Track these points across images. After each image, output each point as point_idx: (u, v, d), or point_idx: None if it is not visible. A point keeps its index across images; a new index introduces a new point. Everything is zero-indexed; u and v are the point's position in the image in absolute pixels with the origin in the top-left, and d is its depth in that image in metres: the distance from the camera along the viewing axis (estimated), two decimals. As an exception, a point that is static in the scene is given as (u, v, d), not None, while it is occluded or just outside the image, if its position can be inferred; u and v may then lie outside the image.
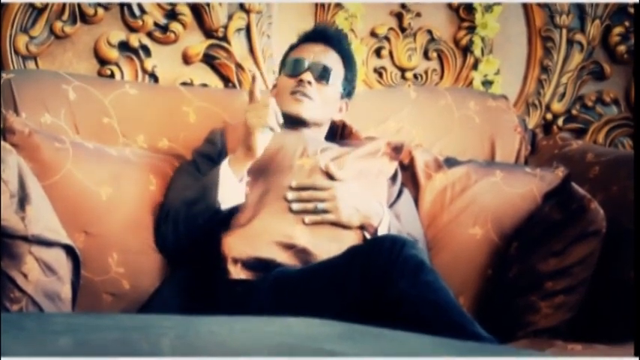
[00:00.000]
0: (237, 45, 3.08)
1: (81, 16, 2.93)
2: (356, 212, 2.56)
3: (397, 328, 1.69)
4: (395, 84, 3.28)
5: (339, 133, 2.84)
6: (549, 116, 3.47)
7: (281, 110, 2.65)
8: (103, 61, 2.96)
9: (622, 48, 3.51)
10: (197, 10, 3.05)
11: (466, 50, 3.35)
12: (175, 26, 3.01)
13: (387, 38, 3.29)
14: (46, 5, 2.88)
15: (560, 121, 3.48)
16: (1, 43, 2.85)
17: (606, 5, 3.47)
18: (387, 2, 3.28)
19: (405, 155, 2.85)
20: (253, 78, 2.57)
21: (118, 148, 2.70)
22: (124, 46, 2.98)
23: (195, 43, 3.06)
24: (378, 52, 3.28)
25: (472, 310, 2.64)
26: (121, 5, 2.97)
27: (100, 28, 2.96)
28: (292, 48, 2.78)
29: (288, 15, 3.15)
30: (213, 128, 2.74)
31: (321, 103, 2.68)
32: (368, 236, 2.56)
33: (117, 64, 2.97)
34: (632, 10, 3.47)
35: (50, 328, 1.54)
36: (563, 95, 3.48)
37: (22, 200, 2.26)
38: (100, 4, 2.94)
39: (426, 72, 3.33)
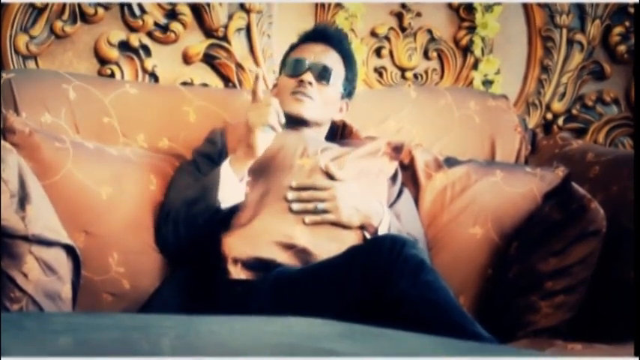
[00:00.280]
0: (238, 45, 3.08)
1: (81, 15, 2.93)
2: (356, 212, 2.56)
3: (397, 328, 1.69)
4: (395, 84, 3.28)
5: (339, 133, 2.84)
6: (549, 116, 3.47)
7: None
8: (103, 61, 2.96)
9: (622, 48, 3.51)
10: (197, 10, 3.05)
11: (466, 50, 3.35)
12: (175, 26, 3.01)
13: (387, 38, 3.29)
14: (47, 5, 2.88)
15: (560, 121, 3.48)
16: (1, 43, 2.85)
17: (606, 5, 3.47)
18: (387, 2, 3.28)
19: (405, 155, 2.85)
20: (256, 77, 2.57)
21: (119, 147, 2.70)
22: (124, 46, 2.98)
23: (196, 42, 3.06)
24: (378, 52, 3.28)
25: (472, 310, 2.64)
26: (121, 5, 2.97)
27: (100, 28, 2.96)
28: (293, 48, 2.78)
29: (288, 15, 3.15)
30: (214, 128, 2.74)
31: (321, 104, 2.68)
32: (368, 236, 2.56)
33: (117, 64, 2.97)
34: (632, 10, 3.47)
35: (50, 328, 1.54)
36: (563, 95, 3.48)
37: (23, 200, 2.26)
38: (100, 4, 2.94)
39: (426, 72, 3.33)
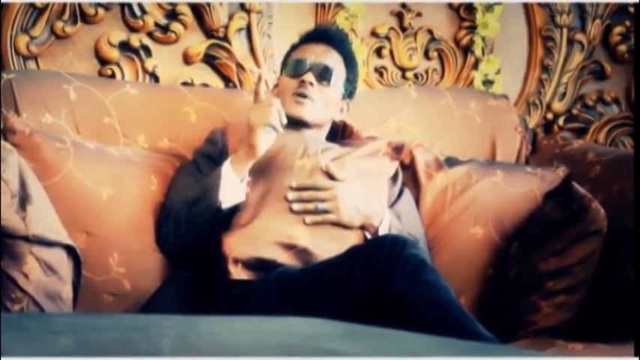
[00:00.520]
0: (238, 45, 3.08)
1: (81, 16, 2.93)
2: (357, 212, 2.56)
3: (398, 328, 1.69)
4: (395, 84, 3.28)
5: (340, 133, 2.84)
6: (550, 116, 3.47)
7: (282, 112, 2.66)
8: (103, 61, 2.96)
9: (622, 47, 3.51)
10: (198, 10, 3.05)
11: (467, 50, 3.35)
12: (176, 26, 3.01)
13: (387, 38, 3.29)
14: (47, 5, 2.88)
15: (560, 121, 3.48)
16: (1, 44, 2.85)
17: (607, 5, 3.47)
18: (387, 2, 3.28)
19: (406, 155, 2.85)
20: (258, 78, 2.58)
21: (119, 148, 2.70)
22: (124, 46, 2.98)
23: (196, 43, 3.06)
24: (378, 52, 3.28)
25: (473, 310, 2.63)
26: (122, 5, 2.97)
27: (100, 28, 2.96)
28: (294, 48, 2.77)
29: (288, 15, 3.15)
30: (214, 128, 2.74)
31: (322, 104, 2.67)
32: (369, 236, 2.57)
33: (117, 64, 2.97)
34: (632, 10, 3.47)
35: (51, 328, 1.54)
36: (563, 95, 3.48)
37: (23, 200, 2.26)
38: (100, 4, 2.94)
39: (426, 72, 3.33)
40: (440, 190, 2.85)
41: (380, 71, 3.28)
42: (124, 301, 2.52)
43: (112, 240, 2.53)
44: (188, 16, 3.03)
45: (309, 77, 2.65)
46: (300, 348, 1.48)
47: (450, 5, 3.35)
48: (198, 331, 1.58)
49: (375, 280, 2.26)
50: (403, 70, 3.30)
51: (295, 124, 2.64)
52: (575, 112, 3.50)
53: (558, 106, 3.47)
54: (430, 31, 3.33)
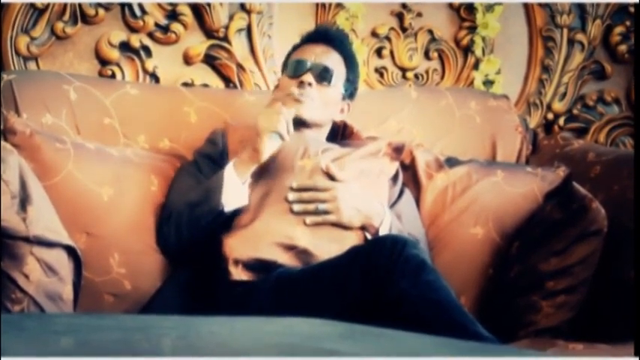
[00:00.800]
0: (238, 45, 3.08)
1: (82, 16, 2.93)
2: (357, 213, 2.56)
3: (398, 328, 1.69)
4: (396, 84, 3.28)
5: (340, 134, 2.84)
6: (550, 116, 3.47)
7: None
8: (103, 62, 2.96)
9: (623, 47, 3.51)
10: (198, 11, 3.05)
11: (467, 50, 3.35)
12: (176, 27, 3.02)
13: (387, 38, 3.29)
14: (47, 6, 2.88)
15: (561, 121, 3.48)
16: (2, 44, 2.86)
17: (607, 5, 3.47)
18: (387, 2, 3.28)
19: (406, 155, 2.85)
20: (277, 87, 2.61)
21: (119, 148, 2.70)
22: (124, 47, 2.98)
23: (196, 43, 3.06)
24: (379, 52, 3.28)
25: (473, 310, 2.63)
26: (122, 6, 2.97)
27: (100, 29, 2.96)
28: (295, 48, 2.77)
29: (288, 15, 3.15)
30: (215, 128, 2.74)
31: (321, 105, 2.67)
32: (369, 237, 2.57)
33: (118, 65, 2.97)
34: (632, 10, 3.47)
35: (51, 329, 1.54)
36: (564, 95, 3.48)
37: (24, 201, 2.26)
38: (100, 5, 2.94)
39: (427, 72, 3.33)
40: (440, 190, 2.85)
41: (380, 71, 3.28)
42: (125, 301, 2.52)
43: (112, 240, 2.53)
44: (188, 17, 3.03)
45: (308, 78, 2.65)
46: (300, 348, 1.48)
47: (451, 5, 3.35)
48: (199, 332, 1.58)
49: (375, 280, 2.26)
50: (403, 70, 3.30)
51: (295, 123, 2.64)
52: (575, 112, 3.50)
53: (559, 106, 3.47)
54: (430, 32, 3.32)
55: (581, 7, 3.46)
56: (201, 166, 2.65)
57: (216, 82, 3.08)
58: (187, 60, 3.05)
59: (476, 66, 3.35)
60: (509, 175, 2.89)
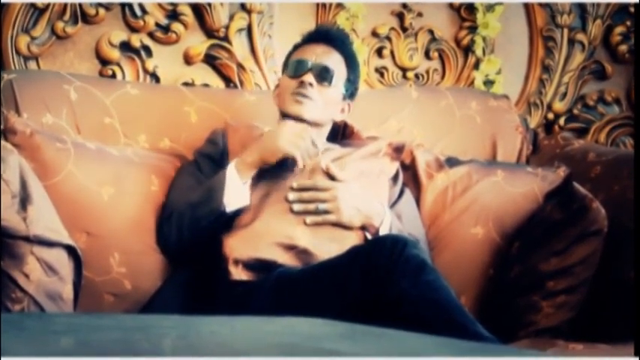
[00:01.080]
0: (239, 45, 3.08)
1: (82, 16, 2.93)
2: (357, 213, 2.56)
3: (398, 328, 1.69)
4: (396, 84, 3.28)
5: (340, 133, 2.84)
6: (551, 116, 3.47)
7: (282, 111, 2.67)
8: (104, 62, 2.96)
9: (623, 47, 3.51)
10: (198, 11, 3.05)
11: (467, 50, 3.35)
12: (177, 26, 3.01)
13: (388, 38, 3.29)
14: (48, 5, 2.88)
15: (561, 121, 3.48)
16: (2, 44, 2.86)
17: (607, 5, 3.47)
18: (388, 2, 3.28)
19: (407, 155, 2.85)
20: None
21: (120, 148, 2.70)
22: (125, 47, 2.98)
23: (197, 43, 3.06)
24: (379, 52, 3.28)
25: (474, 310, 2.63)
26: (123, 5, 2.97)
27: (101, 29, 2.96)
28: (296, 48, 2.77)
29: (289, 15, 3.15)
30: (215, 128, 2.74)
31: (322, 105, 2.67)
32: (369, 237, 2.57)
33: (118, 65, 2.97)
34: (633, 10, 3.47)
35: (52, 328, 1.54)
36: (564, 95, 3.48)
37: (24, 200, 2.26)
38: (101, 5, 2.94)
39: (427, 72, 3.33)
40: (440, 190, 2.85)
41: (381, 71, 3.28)
42: (125, 301, 2.52)
43: (112, 240, 2.53)
44: (189, 17, 3.03)
45: (309, 78, 2.65)
46: (300, 348, 1.48)
47: (451, 5, 3.35)
48: (199, 332, 1.58)
49: (375, 280, 2.26)
50: (404, 70, 3.30)
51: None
52: (575, 112, 3.50)
53: (559, 106, 3.47)
54: (431, 31, 3.32)
55: (582, 7, 3.46)
56: (202, 166, 2.65)
57: (216, 82, 3.08)
58: (188, 60, 3.05)
59: (476, 66, 3.35)
60: (510, 175, 2.89)
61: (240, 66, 3.08)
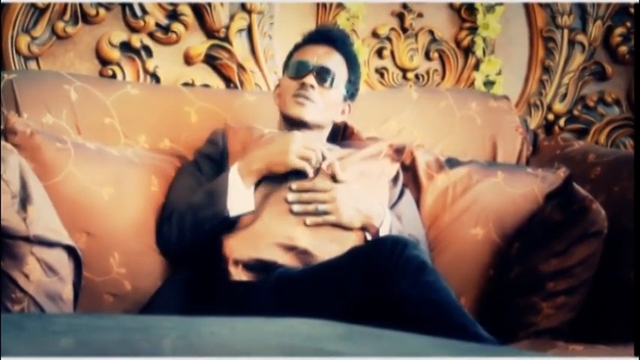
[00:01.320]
0: (239, 45, 3.08)
1: (82, 16, 2.93)
2: (357, 213, 2.55)
3: (398, 329, 1.69)
4: (396, 84, 3.28)
5: (340, 134, 2.84)
6: (551, 117, 3.47)
7: (283, 113, 2.67)
8: (104, 62, 2.97)
9: (623, 48, 3.51)
10: (199, 11, 3.05)
11: (468, 51, 3.35)
12: (177, 27, 3.02)
13: (388, 39, 3.29)
14: (48, 5, 2.88)
15: (561, 122, 3.48)
16: (2, 44, 2.86)
17: (608, 6, 3.47)
18: (388, 2, 3.28)
19: (407, 156, 2.85)
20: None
21: (120, 148, 2.70)
22: (125, 47, 2.98)
23: (197, 43, 3.06)
24: (379, 53, 3.28)
25: (473, 311, 2.64)
26: (123, 5, 2.97)
27: (101, 29, 2.96)
28: (296, 48, 2.77)
29: (289, 15, 3.15)
30: (215, 129, 2.74)
31: (323, 107, 2.67)
32: (369, 237, 2.56)
33: (118, 65, 2.97)
34: (633, 11, 3.47)
35: (51, 329, 1.54)
36: (564, 96, 3.48)
37: (24, 201, 2.26)
38: (101, 5, 2.94)
39: (427, 72, 3.33)
40: (441, 191, 2.85)
41: (381, 72, 3.28)
42: (125, 301, 2.52)
43: (112, 240, 2.53)
44: (189, 17, 3.03)
45: (310, 80, 2.65)
46: (300, 349, 1.48)
47: (451, 6, 3.35)
48: (199, 332, 1.58)
49: (375, 281, 2.26)
50: (404, 70, 3.30)
51: (296, 125, 2.64)
52: (576, 113, 3.50)
53: (559, 107, 3.47)
54: (431, 32, 3.33)
55: (582, 8, 3.46)
56: (202, 167, 2.65)
57: (216, 82, 3.08)
58: (188, 60, 3.05)
59: (476, 67, 3.35)
60: (510, 176, 2.89)
61: (241, 66, 3.08)
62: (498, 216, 2.81)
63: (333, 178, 2.59)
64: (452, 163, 2.91)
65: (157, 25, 3.01)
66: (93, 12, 2.93)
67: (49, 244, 2.29)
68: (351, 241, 2.52)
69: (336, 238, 2.52)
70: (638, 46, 3.45)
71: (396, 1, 3.29)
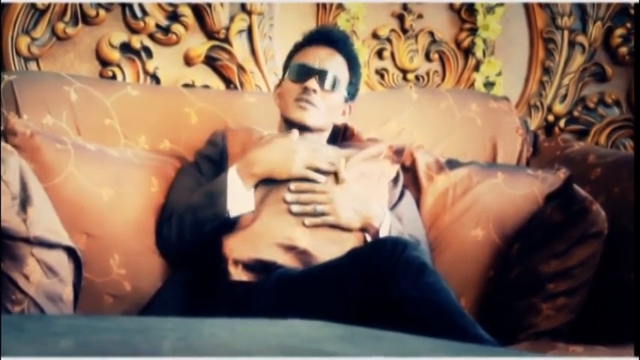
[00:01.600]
0: (239, 46, 3.08)
1: (82, 17, 2.93)
2: (355, 214, 2.55)
3: (398, 330, 1.69)
4: (396, 85, 3.28)
5: (340, 135, 2.84)
6: (551, 118, 3.47)
7: (285, 116, 2.66)
8: (104, 63, 2.97)
9: (623, 49, 3.51)
10: (199, 12, 3.05)
11: (468, 52, 3.35)
12: (177, 28, 3.02)
13: (388, 40, 3.29)
14: (48, 6, 2.88)
15: (561, 123, 3.48)
16: (2, 45, 2.86)
17: (608, 6, 3.47)
18: (388, 3, 3.28)
19: (407, 157, 2.85)
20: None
21: (120, 149, 2.70)
22: (125, 48, 2.98)
23: (197, 44, 3.06)
24: (379, 54, 3.28)
25: (473, 312, 2.63)
26: (123, 6, 2.97)
27: (101, 30, 2.96)
28: (297, 49, 2.75)
29: (289, 16, 3.15)
30: (215, 130, 2.74)
31: (325, 110, 2.66)
32: (369, 238, 2.56)
33: (118, 66, 2.97)
34: (633, 12, 3.47)
35: (51, 330, 1.54)
36: (564, 97, 3.48)
37: (24, 202, 2.26)
38: (101, 6, 2.94)
39: (427, 73, 3.33)
40: (441, 192, 2.85)
41: (381, 73, 3.28)
42: (125, 302, 2.52)
43: (112, 241, 2.53)
44: (189, 18, 3.03)
45: (313, 84, 2.63)
46: (300, 350, 1.48)
47: (451, 7, 3.35)
48: (199, 333, 1.58)
49: (375, 281, 2.26)
50: (404, 71, 3.30)
51: (297, 128, 2.63)
52: (576, 114, 3.50)
53: (559, 108, 3.47)
54: (431, 33, 3.33)
55: (582, 9, 3.46)
56: (202, 168, 2.65)
57: (216, 83, 3.08)
58: (188, 61, 3.05)
59: (476, 68, 3.35)
60: (510, 177, 2.89)
61: (241, 67, 3.08)
62: (498, 217, 2.81)
63: (336, 177, 2.59)
64: (452, 164, 2.91)
65: (157, 26, 3.01)
66: (93, 13, 2.93)
67: (49, 245, 2.29)
68: (350, 241, 2.52)
69: (335, 238, 2.52)
70: (638, 47, 3.45)
71: (396, 1, 3.29)
